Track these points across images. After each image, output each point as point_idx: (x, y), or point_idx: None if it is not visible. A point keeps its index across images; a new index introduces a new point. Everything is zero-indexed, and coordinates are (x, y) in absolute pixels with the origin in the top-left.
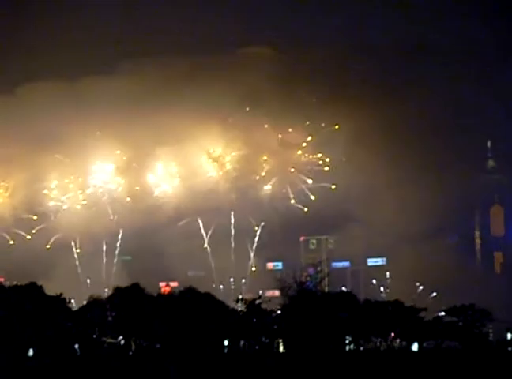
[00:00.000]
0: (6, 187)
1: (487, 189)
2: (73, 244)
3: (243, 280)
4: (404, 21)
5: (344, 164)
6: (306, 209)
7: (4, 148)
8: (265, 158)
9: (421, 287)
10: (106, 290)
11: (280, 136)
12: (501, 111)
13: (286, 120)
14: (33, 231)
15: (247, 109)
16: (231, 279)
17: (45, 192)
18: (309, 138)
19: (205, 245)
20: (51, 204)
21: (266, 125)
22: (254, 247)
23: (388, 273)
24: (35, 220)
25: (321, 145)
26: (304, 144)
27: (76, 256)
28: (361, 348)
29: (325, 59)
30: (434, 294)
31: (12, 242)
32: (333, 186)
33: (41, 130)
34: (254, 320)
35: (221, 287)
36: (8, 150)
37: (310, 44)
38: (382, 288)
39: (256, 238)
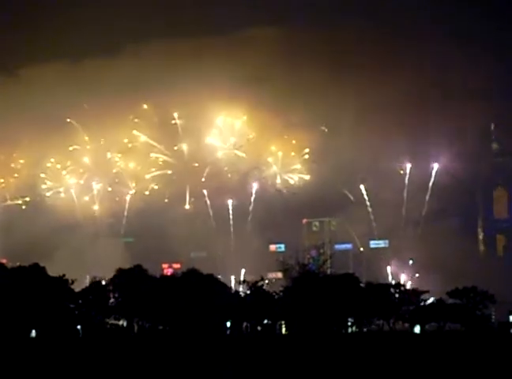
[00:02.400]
0: (10, 169)
1: (490, 171)
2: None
3: (245, 262)
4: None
5: (348, 145)
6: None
7: (7, 131)
8: (269, 140)
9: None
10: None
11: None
12: (505, 93)
13: (291, 101)
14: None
15: None
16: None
17: (43, 175)
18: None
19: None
20: (53, 185)
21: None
22: (256, 229)
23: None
24: (37, 202)
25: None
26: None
27: (78, 237)
28: (364, 329)
29: (330, 39)
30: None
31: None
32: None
33: (44, 112)
34: (257, 302)
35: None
36: (11, 132)
37: (315, 24)
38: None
39: (258, 220)
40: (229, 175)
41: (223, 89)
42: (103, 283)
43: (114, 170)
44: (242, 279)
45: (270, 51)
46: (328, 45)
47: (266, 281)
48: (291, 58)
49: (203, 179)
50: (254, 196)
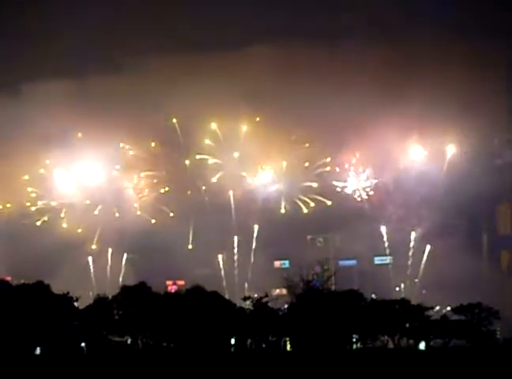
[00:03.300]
0: (13, 186)
1: (494, 187)
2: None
3: (249, 278)
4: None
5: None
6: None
7: (8, 147)
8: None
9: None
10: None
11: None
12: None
13: (292, 117)
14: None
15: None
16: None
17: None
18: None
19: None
20: (56, 202)
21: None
22: (261, 246)
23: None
24: (41, 219)
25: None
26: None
27: (82, 254)
28: (375, 345)
29: (329, 56)
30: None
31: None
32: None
33: (46, 129)
34: (261, 318)
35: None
36: (12, 149)
37: (313, 41)
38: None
39: (262, 237)
40: (231, 191)
41: (223, 105)
42: (109, 299)
43: (116, 187)
44: (246, 295)
45: (269, 68)
46: (327, 61)
47: (276, 292)
48: (290, 75)
49: (206, 197)
50: (258, 212)
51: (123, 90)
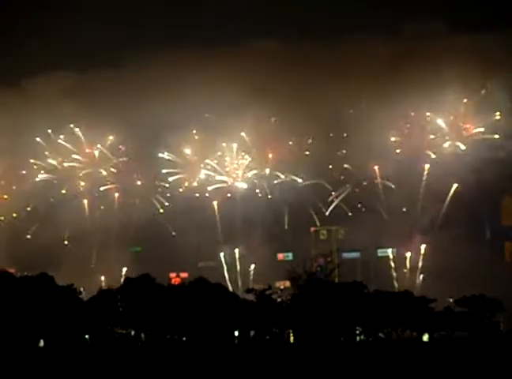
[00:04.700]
0: (15, 179)
1: (497, 178)
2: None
3: (252, 270)
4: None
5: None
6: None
7: (12, 140)
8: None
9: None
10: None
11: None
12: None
13: (294, 112)
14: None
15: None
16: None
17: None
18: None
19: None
20: (61, 195)
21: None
22: (265, 238)
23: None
24: (43, 212)
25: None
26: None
27: (86, 246)
28: (379, 337)
29: (331, 50)
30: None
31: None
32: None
33: (48, 123)
34: (265, 310)
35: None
36: (16, 142)
37: (316, 36)
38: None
39: (266, 229)
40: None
41: (226, 100)
42: (113, 291)
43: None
44: (249, 287)
45: (272, 62)
46: (329, 56)
47: (281, 287)
48: (293, 69)
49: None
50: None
51: (124, 84)
